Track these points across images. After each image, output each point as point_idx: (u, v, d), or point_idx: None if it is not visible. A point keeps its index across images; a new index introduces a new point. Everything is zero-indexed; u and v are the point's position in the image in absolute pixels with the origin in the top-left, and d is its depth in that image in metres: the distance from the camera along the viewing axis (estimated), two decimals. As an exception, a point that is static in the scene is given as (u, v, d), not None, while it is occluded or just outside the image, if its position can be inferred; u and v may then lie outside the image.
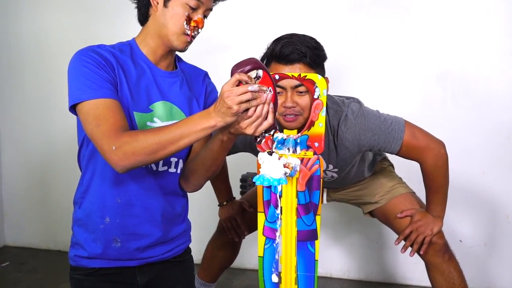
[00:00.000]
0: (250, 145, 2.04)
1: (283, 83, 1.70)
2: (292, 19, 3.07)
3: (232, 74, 1.34)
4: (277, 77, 1.66)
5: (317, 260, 1.73)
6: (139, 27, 1.69)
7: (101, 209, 1.60)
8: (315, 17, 3.08)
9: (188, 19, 1.56)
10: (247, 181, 2.78)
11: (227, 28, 3.20)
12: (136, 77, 1.60)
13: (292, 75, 1.65)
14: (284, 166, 1.53)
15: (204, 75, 1.78)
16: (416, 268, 2.93)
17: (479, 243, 2.98)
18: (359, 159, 2.09)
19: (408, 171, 2.50)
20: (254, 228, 2.32)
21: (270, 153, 1.45)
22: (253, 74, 1.34)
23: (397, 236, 2.16)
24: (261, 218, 1.75)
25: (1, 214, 3.74)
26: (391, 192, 2.21)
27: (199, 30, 1.59)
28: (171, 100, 1.65)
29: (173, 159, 1.66)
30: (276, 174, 1.49)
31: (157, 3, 1.58)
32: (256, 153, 1.87)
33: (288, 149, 1.66)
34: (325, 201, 2.32)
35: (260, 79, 1.35)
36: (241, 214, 2.32)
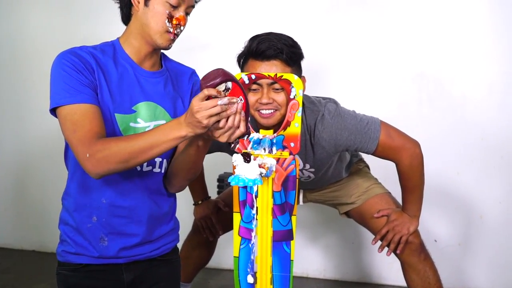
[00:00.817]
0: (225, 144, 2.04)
1: (259, 80, 1.71)
2: (271, 19, 3.07)
3: (201, 87, 1.33)
4: (253, 77, 1.66)
5: (292, 260, 1.74)
6: (121, 26, 1.67)
7: (87, 209, 1.60)
8: (293, 17, 3.09)
9: (170, 17, 1.55)
10: (224, 181, 2.77)
11: (206, 27, 3.19)
12: (118, 78, 1.59)
13: (268, 75, 1.65)
14: (260, 166, 1.53)
15: (190, 74, 1.77)
16: (392, 268, 2.95)
17: (453, 243, 3.01)
18: (336, 159, 2.09)
19: (384, 171, 2.52)
20: (229, 228, 2.30)
21: (246, 156, 1.45)
22: (222, 87, 1.33)
23: (373, 236, 2.18)
24: (236, 218, 1.75)
25: (-27, 214, 3.70)
26: (367, 193, 2.22)
27: (182, 28, 1.59)
28: (155, 100, 1.64)
29: (158, 159, 1.65)
30: (251, 175, 1.49)
31: (138, 2, 1.58)
32: (231, 153, 1.87)
33: (264, 149, 1.67)
34: (301, 202, 2.32)
35: (229, 90, 1.35)
36: (216, 213, 2.32)
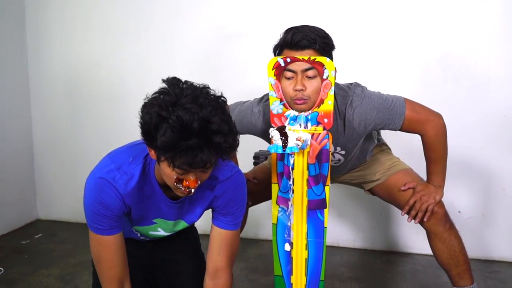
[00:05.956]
0: (265, 134, 2.12)
1: (293, 66, 1.79)
2: (302, 10, 3.13)
3: None
4: (288, 60, 1.79)
5: (326, 227, 1.85)
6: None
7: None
8: (321, 5, 3.13)
9: (178, 180, 1.45)
10: (259, 158, 2.84)
11: (242, 16, 3.28)
12: (142, 203, 1.64)
13: (302, 58, 1.77)
14: (297, 139, 1.67)
15: (212, 187, 1.69)
16: (418, 237, 3.04)
17: (476, 214, 3.06)
18: (362, 141, 2.16)
19: (410, 148, 2.59)
20: (258, 200, 2.37)
21: (282, 130, 1.60)
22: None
23: (399, 210, 2.23)
24: (274, 188, 1.88)
25: (34, 191, 3.86)
26: (391, 169, 2.28)
27: (192, 190, 1.47)
28: (170, 218, 1.75)
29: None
30: (288, 143, 1.64)
31: (154, 154, 1.46)
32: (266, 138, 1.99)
33: (300, 125, 1.79)
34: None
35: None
36: None
